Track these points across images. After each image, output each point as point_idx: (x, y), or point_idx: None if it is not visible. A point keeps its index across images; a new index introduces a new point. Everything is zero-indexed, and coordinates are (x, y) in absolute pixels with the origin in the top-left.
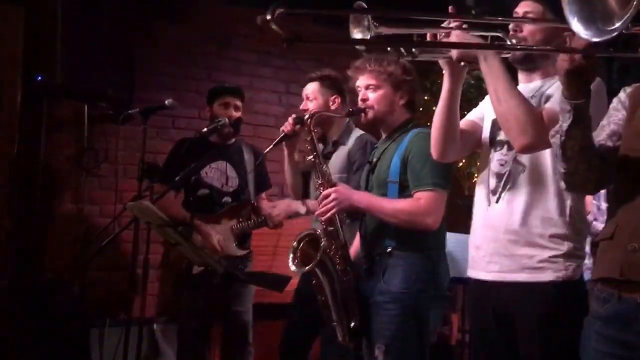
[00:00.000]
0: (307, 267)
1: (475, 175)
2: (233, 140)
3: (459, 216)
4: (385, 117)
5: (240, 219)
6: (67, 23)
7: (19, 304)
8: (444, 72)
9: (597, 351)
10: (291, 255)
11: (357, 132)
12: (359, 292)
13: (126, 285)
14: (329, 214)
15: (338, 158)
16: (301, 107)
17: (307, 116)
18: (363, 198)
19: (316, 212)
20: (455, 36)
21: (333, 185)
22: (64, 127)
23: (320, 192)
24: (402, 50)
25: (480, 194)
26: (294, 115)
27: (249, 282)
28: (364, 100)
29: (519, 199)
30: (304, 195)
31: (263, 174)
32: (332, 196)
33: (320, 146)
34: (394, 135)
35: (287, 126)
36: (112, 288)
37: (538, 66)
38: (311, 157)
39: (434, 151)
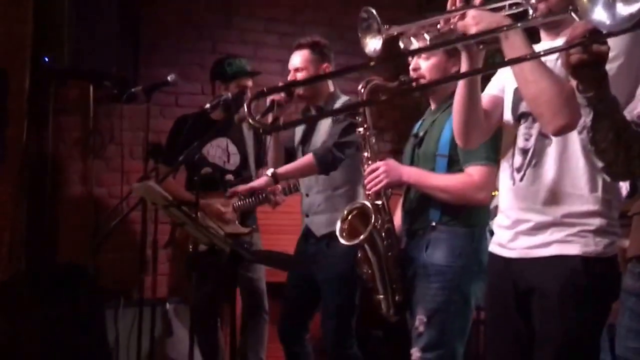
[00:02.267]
0: (356, 241)
1: None
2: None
3: None
4: (437, 86)
5: (242, 196)
6: (75, 4)
7: (33, 288)
8: (461, 54)
9: (630, 329)
10: (339, 227)
11: (343, 98)
12: (403, 267)
13: (137, 266)
14: (376, 188)
15: (324, 127)
16: (289, 78)
17: (360, 86)
18: (413, 173)
19: (366, 186)
20: (471, 17)
21: (381, 158)
22: (70, 110)
23: (368, 165)
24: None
25: (504, 171)
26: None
27: (256, 261)
28: (416, 69)
29: (545, 175)
30: None
31: (264, 150)
32: (381, 169)
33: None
34: (444, 105)
35: (276, 96)
36: (123, 269)
37: (562, 26)
38: (361, 129)
39: (458, 139)
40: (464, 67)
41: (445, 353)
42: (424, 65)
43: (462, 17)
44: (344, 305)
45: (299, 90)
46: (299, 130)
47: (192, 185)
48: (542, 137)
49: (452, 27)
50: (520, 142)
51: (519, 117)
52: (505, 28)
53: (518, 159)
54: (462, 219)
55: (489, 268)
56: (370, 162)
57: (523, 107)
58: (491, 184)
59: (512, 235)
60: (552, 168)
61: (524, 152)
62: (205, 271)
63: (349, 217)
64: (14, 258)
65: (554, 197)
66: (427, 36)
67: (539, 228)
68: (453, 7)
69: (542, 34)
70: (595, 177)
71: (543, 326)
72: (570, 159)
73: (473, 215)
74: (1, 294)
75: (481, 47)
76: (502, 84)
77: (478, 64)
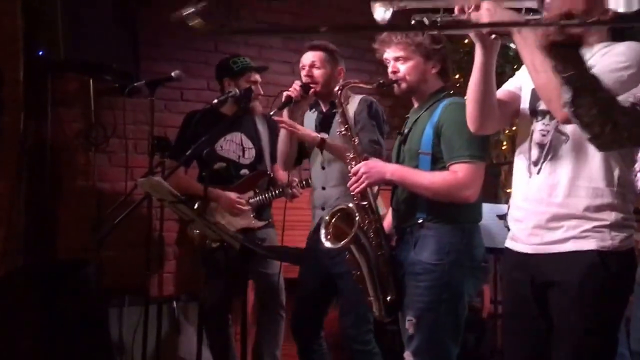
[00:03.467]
0: (341, 243)
1: (504, 143)
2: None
3: (486, 185)
4: (418, 86)
5: (257, 190)
6: None
7: (34, 285)
8: (475, 44)
9: None
10: (323, 231)
11: (356, 97)
12: (394, 266)
13: (142, 264)
14: (359, 189)
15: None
16: (304, 74)
17: (337, 87)
18: (397, 171)
19: (349, 187)
20: (485, 10)
21: (364, 159)
22: (70, 102)
23: (352, 166)
24: (426, 23)
25: (520, 166)
26: (299, 82)
27: (268, 256)
28: (395, 72)
29: (561, 169)
30: (296, 164)
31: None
32: (362, 170)
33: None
34: (427, 104)
35: (293, 91)
36: (128, 267)
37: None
38: (343, 129)
39: (470, 124)
40: (478, 58)
41: (437, 355)
42: (402, 68)
43: (477, 8)
44: (361, 300)
45: (317, 88)
46: (312, 127)
47: (204, 180)
48: (559, 133)
49: (466, 17)
50: (536, 137)
51: (536, 114)
52: (517, 24)
53: (535, 153)
54: (450, 216)
55: (505, 263)
56: (353, 162)
57: (542, 105)
58: (477, 181)
59: (527, 229)
60: (568, 162)
61: (541, 146)
62: (216, 267)
63: (333, 220)
64: (11, 254)
65: (570, 190)
66: (438, 19)
67: (555, 221)
68: None
69: None
70: (612, 171)
71: (562, 320)
72: (586, 154)
73: (462, 212)
74: None
75: (493, 36)
76: (520, 83)
77: (493, 56)
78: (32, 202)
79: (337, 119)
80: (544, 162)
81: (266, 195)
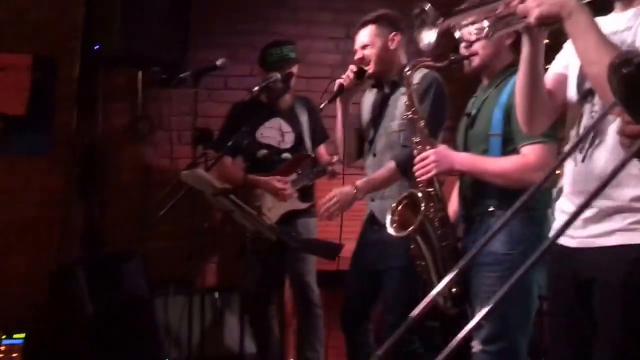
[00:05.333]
0: (406, 232)
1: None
2: (285, 96)
3: None
4: (491, 61)
5: (299, 172)
6: None
7: (86, 276)
8: (522, 37)
9: None
10: (389, 218)
11: (420, 72)
12: (460, 256)
13: (186, 255)
14: (426, 177)
15: (400, 101)
16: (355, 57)
17: (407, 69)
18: (465, 160)
19: (414, 172)
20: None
21: (431, 144)
22: (119, 96)
23: (418, 151)
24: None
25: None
26: (353, 67)
27: (300, 249)
28: (468, 46)
29: (608, 156)
30: (358, 156)
31: (319, 125)
32: (431, 158)
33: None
34: (496, 81)
35: (346, 79)
36: (172, 257)
37: None
38: (409, 113)
39: (522, 125)
40: (525, 50)
41: (507, 345)
42: (477, 43)
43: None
44: (405, 298)
45: (370, 69)
46: (367, 109)
47: (250, 167)
48: (607, 115)
49: (511, 10)
50: (585, 121)
51: (585, 95)
52: (568, 9)
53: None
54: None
55: (550, 256)
56: (419, 147)
57: (589, 84)
58: (549, 163)
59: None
60: (616, 148)
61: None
62: (256, 258)
63: (399, 208)
64: (67, 247)
65: (617, 179)
66: (485, 23)
67: (600, 213)
68: None
69: (616, 4)
70: None
71: (605, 317)
72: None
73: (535, 198)
74: (53, 282)
75: (543, 28)
76: (567, 61)
77: (540, 47)
78: (84, 196)
79: (403, 101)
80: (589, 148)
81: (308, 174)
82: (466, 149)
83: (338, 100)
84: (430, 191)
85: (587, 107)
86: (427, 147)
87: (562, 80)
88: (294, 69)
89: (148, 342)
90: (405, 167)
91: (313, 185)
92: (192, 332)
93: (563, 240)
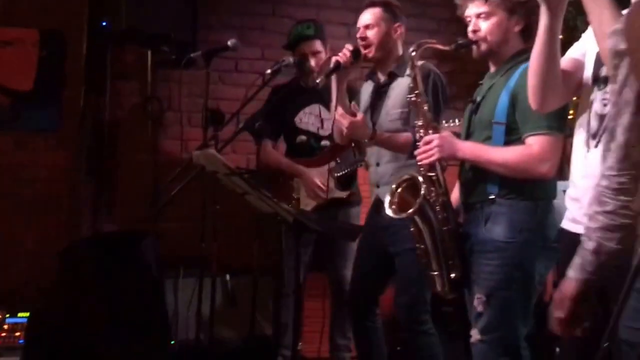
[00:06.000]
0: (405, 213)
1: (571, 112)
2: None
3: None
4: (499, 48)
5: (338, 160)
6: None
7: (95, 255)
8: (540, 6)
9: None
10: (388, 199)
11: (418, 62)
12: (461, 242)
13: (197, 236)
14: (427, 161)
15: (396, 91)
16: (358, 36)
17: (411, 49)
18: (468, 149)
19: (416, 155)
20: None
21: (434, 129)
22: (128, 75)
23: (421, 135)
24: None
25: (579, 139)
26: (349, 46)
27: (318, 231)
28: (475, 31)
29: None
30: None
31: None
32: (435, 142)
33: (418, 84)
34: (504, 68)
35: (342, 56)
36: (183, 239)
37: None
38: (412, 95)
39: (532, 100)
40: (542, 21)
41: (506, 334)
42: (484, 27)
43: None
44: (419, 279)
45: (370, 52)
46: (366, 96)
47: (290, 153)
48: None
49: None
50: (597, 107)
51: (598, 81)
52: None
53: (594, 124)
54: (524, 191)
55: (561, 246)
56: (422, 130)
57: (604, 72)
58: (555, 155)
59: (584, 208)
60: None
61: (601, 117)
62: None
63: (399, 190)
64: (74, 225)
65: None
66: None
67: None
68: None
69: None
70: None
71: (616, 304)
72: None
73: (537, 187)
74: (61, 261)
75: None
76: (585, 49)
77: (559, 19)
78: (92, 174)
79: (400, 90)
80: (603, 134)
81: (348, 164)
82: (469, 134)
83: (334, 78)
84: (431, 175)
85: (598, 95)
86: (430, 132)
87: (578, 65)
88: (314, 47)
89: (156, 324)
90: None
91: (355, 174)
92: (202, 315)
93: (574, 228)
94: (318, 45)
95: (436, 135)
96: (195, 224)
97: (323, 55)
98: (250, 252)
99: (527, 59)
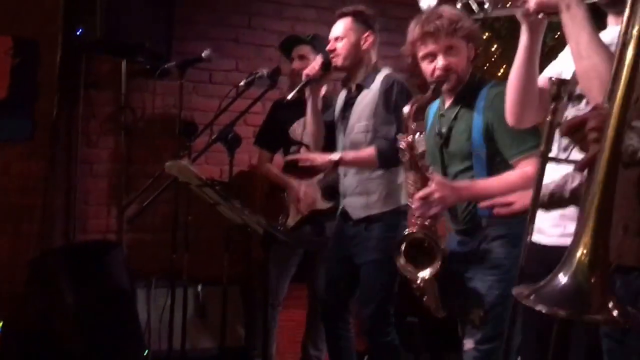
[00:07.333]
0: (431, 273)
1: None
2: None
3: None
4: (464, 78)
5: (326, 172)
6: None
7: (65, 265)
8: (521, 25)
9: None
10: (402, 261)
11: (384, 71)
12: (453, 272)
13: (169, 246)
14: (430, 213)
15: (362, 104)
16: (327, 48)
17: (406, 110)
18: (470, 190)
19: (417, 214)
20: None
21: (426, 179)
22: (102, 85)
23: (413, 186)
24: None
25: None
26: (319, 59)
27: (288, 242)
28: (447, 67)
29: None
30: (326, 147)
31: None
32: (436, 195)
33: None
34: (462, 96)
35: (311, 69)
36: (155, 249)
37: None
38: (403, 143)
39: (509, 116)
40: (524, 38)
41: (500, 345)
42: (454, 61)
43: None
44: (382, 291)
45: (337, 62)
46: (340, 103)
47: (287, 165)
48: None
49: None
50: None
51: (571, 98)
52: (567, 1)
53: (565, 139)
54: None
55: (528, 257)
56: (417, 185)
57: (578, 90)
58: None
59: (551, 219)
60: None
61: None
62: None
63: (403, 247)
64: (46, 235)
65: None
66: (487, 2)
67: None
68: None
69: (610, 19)
70: None
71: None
72: None
73: None
74: (33, 270)
75: (541, 15)
76: (561, 68)
77: (539, 35)
78: (63, 182)
79: (366, 103)
80: (574, 147)
81: (333, 176)
82: (445, 167)
83: (307, 91)
84: (430, 224)
85: (571, 111)
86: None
87: None
88: (304, 51)
89: (128, 333)
90: (385, 158)
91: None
92: (174, 325)
93: (539, 239)
94: (308, 51)
95: (434, 188)
96: (167, 235)
97: (309, 63)
98: (221, 262)
99: (481, 82)
